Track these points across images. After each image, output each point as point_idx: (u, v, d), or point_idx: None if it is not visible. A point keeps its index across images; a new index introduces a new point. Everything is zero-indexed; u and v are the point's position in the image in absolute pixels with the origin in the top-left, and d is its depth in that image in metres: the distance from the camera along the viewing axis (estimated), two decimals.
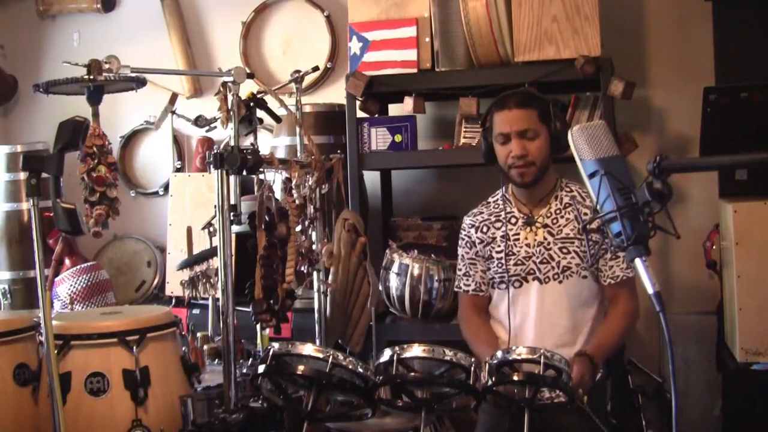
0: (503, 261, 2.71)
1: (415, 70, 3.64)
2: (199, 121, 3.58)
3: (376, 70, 3.67)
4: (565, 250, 2.66)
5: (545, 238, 2.67)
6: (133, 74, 3.04)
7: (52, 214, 2.22)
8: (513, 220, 2.74)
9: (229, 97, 3.00)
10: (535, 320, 2.67)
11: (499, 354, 2.32)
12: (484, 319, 2.82)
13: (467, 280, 2.83)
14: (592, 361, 2.48)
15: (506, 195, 2.81)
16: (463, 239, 2.86)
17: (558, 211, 2.69)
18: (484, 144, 2.78)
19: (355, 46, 3.70)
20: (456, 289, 2.91)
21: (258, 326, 3.23)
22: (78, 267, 4.00)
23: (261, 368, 2.30)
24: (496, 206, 2.81)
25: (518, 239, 2.71)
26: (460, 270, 2.87)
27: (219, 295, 2.84)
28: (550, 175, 2.73)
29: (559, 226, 2.67)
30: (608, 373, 2.76)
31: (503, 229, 2.74)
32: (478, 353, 2.60)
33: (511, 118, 2.64)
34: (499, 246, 2.74)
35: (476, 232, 2.81)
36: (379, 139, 3.74)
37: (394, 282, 3.53)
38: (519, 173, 2.66)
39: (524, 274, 2.69)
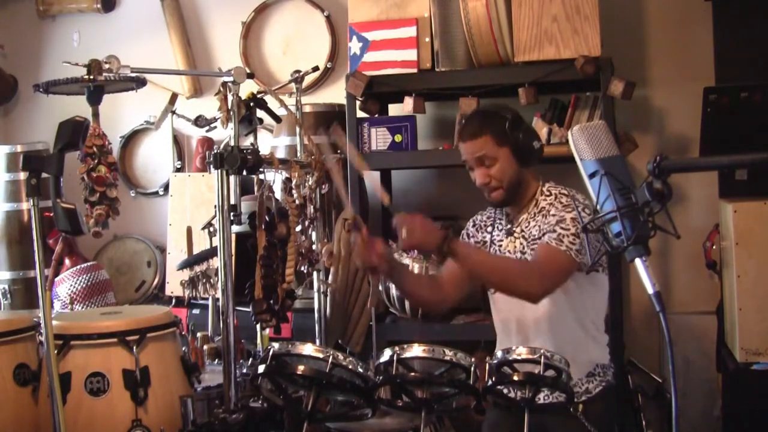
0: None
1: (415, 70, 3.64)
2: (199, 121, 3.58)
3: (376, 70, 3.67)
4: (534, 251, 2.60)
5: (522, 246, 2.64)
6: (133, 74, 3.05)
7: (52, 214, 2.21)
8: (499, 227, 2.74)
9: (229, 97, 2.99)
10: (518, 318, 2.65)
11: (499, 354, 2.32)
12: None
13: None
14: (447, 237, 2.42)
15: None
16: (466, 230, 2.86)
17: (533, 216, 2.65)
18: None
19: (355, 46, 3.70)
20: None
21: (258, 326, 3.23)
22: (78, 267, 4.00)
23: (261, 368, 2.30)
24: (492, 212, 2.81)
25: (501, 246, 2.70)
26: None
27: (219, 295, 2.84)
28: (528, 184, 2.66)
29: (530, 229, 2.64)
30: (609, 384, 2.69)
31: (495, 234, 2.74)
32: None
33: (468, 149, 2.62)
34: (489, 250, 2.73)
35: (472, 227, 2.82)
36: (379, 139, 3.75)
37: None
38: (488, 195, 2.65)
39: None
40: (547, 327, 2.61)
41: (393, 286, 3.50)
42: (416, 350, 2.28)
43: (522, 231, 2.65)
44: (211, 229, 3.40)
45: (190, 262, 3.50)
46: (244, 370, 2.93)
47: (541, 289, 2.47)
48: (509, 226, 2.70)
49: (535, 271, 2.49)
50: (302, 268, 3.15)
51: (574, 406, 2.41)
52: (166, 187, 4.42)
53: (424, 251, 2.40)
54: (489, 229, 2.76)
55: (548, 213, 2.60)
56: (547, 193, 2.68)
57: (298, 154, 3.43)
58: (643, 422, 3.55)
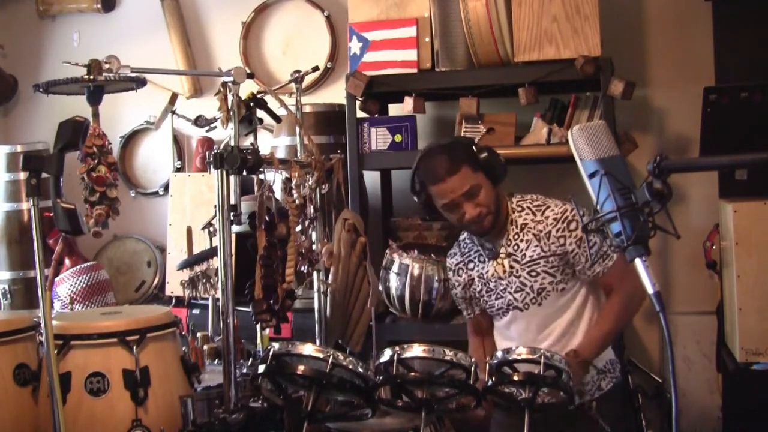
0: (486, 299, 2.73)
1: (415, 70, 3.64)
2: (199, 121, 3.58)
3: (376, 70, 3.67)
4: (534, 273, 2.61)
5: (512, 267, 2.63)
6: (133, 74, 3.05)
7: (52, 214, 2.22)
8: (481, 258, 2.72)
9: (229, 97, 3.00)
10: (528, 338, 2.65)
11: (499, 354, 2.32)
12: (480, 338, 2.86)
13: (467, 310, 2.85)
14: (577, 357, 2.46)
15: (467, 238, 2.79)
16: (449, 281, 2.88)
17: (516, 236, 2.63)
18: (420, 203, 2.69)
19: (355, 46, 3.70)
20: None
21: (258, 326, 3.23)
22: (78, 267, 4.00)
23: (261, 368, 2.30)
24: (465, 246, 2.79)
25: (489, 273, 2.69)
26: (459, 304, 2.89)
27: (219, 295, 2.84)
28: (502, 202, 2.65)
29: (522, 251, 2.62)
30: (619, 381, 2.71)
31: (476, 269, 2.73)
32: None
33: (450, 187, 2.54)
34: (478, 286, 2.74)
35: (454, 276, 2.82)
36: (379, 139, 3.74)
37: (394, 282, 3.53)
38: (478, 228, 2.61)
39: (505, 307, 2.68)
40: (570, 335, 2.64)
41: (393, 286, 3.51)
42: (416, 350, 2.28)
43: (509, 253, 2.63)
44: (211, 229, 3.39)
45: (190, 262, 3.50)
46: (244, 370, 2.93)
47: (638, 297, 2.57)
48: (489, 251, 2.68)
49: (624, 295, 2.56)
50: (302, 268, 3.15)
51: (588, 404, 2.41)
52: (166, 187, 4.42)
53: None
54: (470, 266, 2.76)
55: (541, 234, 2.59)
56: (519, 209, 2.66)
57: (298, 154, 3.43)
58: (643, 422, 3.55)
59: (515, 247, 2.63)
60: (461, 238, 2.84)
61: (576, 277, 2.62)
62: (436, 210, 2.66)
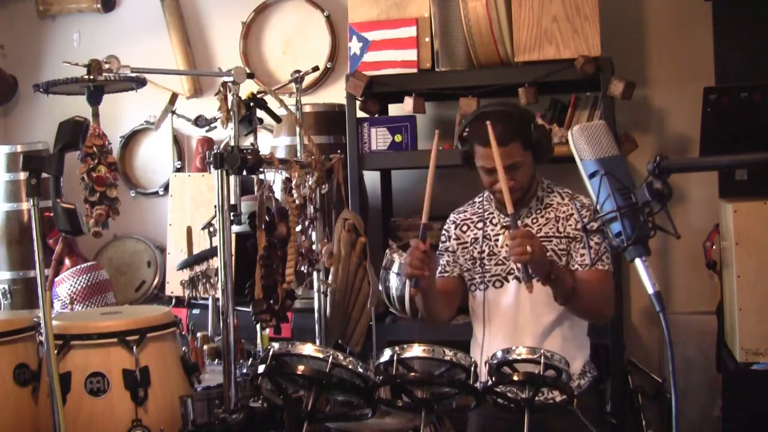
0: (485, 262, 2.69)
1: (415, 70, 3.64)
2: (199, 121, 3.58)
3: (376, 70, 3.67)
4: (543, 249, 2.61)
5: None
6: (133, 74, 3.04)
7: (52, 214, 2.21)
8: (494, 221, 2.72)
9: (229, 97, 2.99)
10: (514, 318, 2.64)
11: (499, 354, 2.32)
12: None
13: (446, 267, 2.79)
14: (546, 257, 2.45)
15: (490, 195, 2.77)
16: (443, 234, 2.84)
17: (537, 211, 2.67)
18: (462, 150, 2.71)
19: (355, 46, 3.70)
20: None
21: (258, 326, 3.22)
22: (78, 267, 4.00)
23: (261, 368, 2.30)
24: (480, 206, 2.80)
25: (498, 240, 2.70)
26: (440, 258, 2.82)
27: (219, 295, 2.84)
28: (533, 181, 2.69)
29: (539, 225, 2.65)
30: (601, 375, 2.75)
31: (484, 229, 2.73)
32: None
33: (496, 156, 2.50)
34: (481, 247, 2.73)
35: (455, 229, 2.80)
36: (379, 139, 3.74)
37: (394, 282, 3.53)
38: (503, 200, 2.54)
39: (504, 274, 2.67)
40: (559, 335, 2.64)
41: (393, 286, 3.51)
42: (416, 350, 2.28)
43: (525, 224, 2.66)
44: (211, 229, 3.40)
45: (190, 262, 3.50)
46: (244, 370, 2.93)
47: (612, 313, 2.67)
48: (506, 218, 2.67)
49: (611, 299, 2.61)
50: (302, 268, 3.15)
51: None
52: (166, 187, 4.42)
53: (534, 274, 2.36)
54: (479, 225, 2.75)
55: (562, 216, 2.63)
56: (549, 190, 2.71)
57: (298, 154, 3.43)
58: (643, 422, 3.55)
59: (534, 220, 2.67)
60: (477, 199, 2.84)
61: None
62: (472, 163, 2.68)
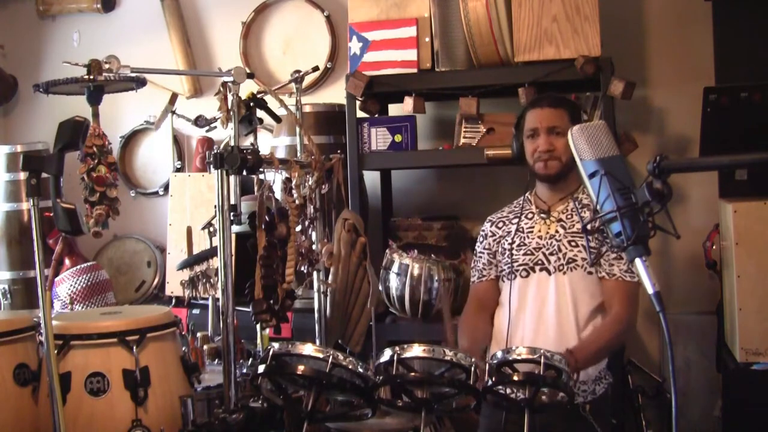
0: (515, 252, 2.74)
1: (415, 70, 3.64)
2: (199, 121, 3.58)
3: (376, 70, 3.67)
4: (573, 243, 2.67)
5: (557, 231, 2.70)
6: (133, 74, 3.05)
7: (52, 214, 2.22)
8: (530, 216, 2.80)
9: (229, 97, 3.00)
10: (537, 311, 2.67)
11: (499, 354, 2.32)
12: (478, 311, 2.84)
13: (484, 270, 2.86)
14: (572, 356, 2.46)
15: (529, 196, 2.85)
16: (480, 234, 2.92)
17: (574, 210, 2.73)
18: (515, 144, 2.85)
19: (355, 46, 3.70)
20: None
21: (258, 326, 3.23)
22: (78, 267, 4.00)
23: (261, 368, 2.30)
24: (518, 205, 2.87)
25: (531, 231, 2.75)
26: (476, 262, 2.90)
27: (219, 295, 2.84)
28: (573, 177, 2.74)
29: (573, 221, 2.71)
30: (612, 382, 2.74)
31: (521, 223, 2.78)
32: (460, 343, 2.71)
33: (542, 116, 2.73)
34: (512, 239, 2.77)
35: (491, 226, 2.87)
36: (379, 139, 3.74)
37: (394, 282, 3.53)
38: (543, 165, 2.72)
39: (532, 264, 2.70)
40: (580, 333, 2.66)
41: (393, 286, 3.51)
42: (416, 350, 2.28)
43: (561, 219, 2.72)
44: (211, 229, 3.40)
45: (190, 262, 3.50)
46: (244, 370, 2.93)
47: (631, 330, 2.76)
48: (542, 211, 2.76)
49: (624, 323, 2.64)
50: (302, 268, 3.15)
51: (582, 407, 2.43)
52: (166, 187, 4.42)
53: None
54: (515, 220, 2.81)
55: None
56: (587, 194, 2.74)
57: (298, 154, 3.43)
58: (643, 422, 3.55)
59: (569, 216, 2.72)
60: (515, 201, 2.91)
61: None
62: (520, 136, 2.81)
